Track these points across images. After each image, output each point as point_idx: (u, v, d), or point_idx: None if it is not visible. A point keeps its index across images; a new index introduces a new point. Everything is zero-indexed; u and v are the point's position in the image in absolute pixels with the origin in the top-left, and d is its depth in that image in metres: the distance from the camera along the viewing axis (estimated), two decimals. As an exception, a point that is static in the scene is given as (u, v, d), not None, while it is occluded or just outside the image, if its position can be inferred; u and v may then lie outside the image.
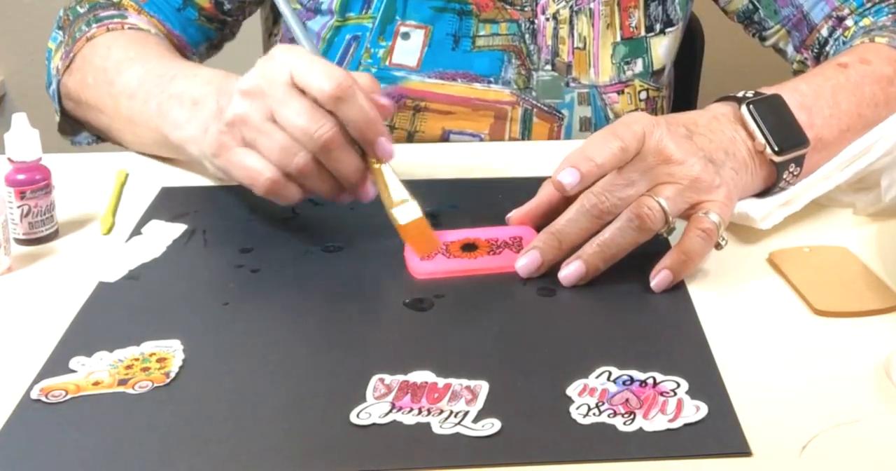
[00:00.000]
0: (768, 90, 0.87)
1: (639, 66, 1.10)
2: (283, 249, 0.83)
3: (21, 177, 0.84)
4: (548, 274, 0.78)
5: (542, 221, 0.82)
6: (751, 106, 0.83)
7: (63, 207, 0.88)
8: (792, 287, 0.77)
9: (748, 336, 0.72)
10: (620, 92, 1.10)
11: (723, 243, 0.78)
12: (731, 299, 0.76)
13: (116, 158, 1.01)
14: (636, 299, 0.75)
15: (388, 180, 0.81)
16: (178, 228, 0.86)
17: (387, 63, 1.06)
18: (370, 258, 0.82)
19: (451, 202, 0.90)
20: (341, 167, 0.79)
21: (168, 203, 0.91)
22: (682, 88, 1.26)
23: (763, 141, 0.82)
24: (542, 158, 0.95)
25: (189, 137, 0.87)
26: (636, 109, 1.11)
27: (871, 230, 0.86)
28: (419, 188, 0.82)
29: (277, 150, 0.78)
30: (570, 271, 0.76)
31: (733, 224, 0.83)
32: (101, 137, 1.07)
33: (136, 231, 0.86)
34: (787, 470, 0.59)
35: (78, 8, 1.07)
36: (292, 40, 1.04)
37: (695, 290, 0.77)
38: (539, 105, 1.08)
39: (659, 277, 0.75)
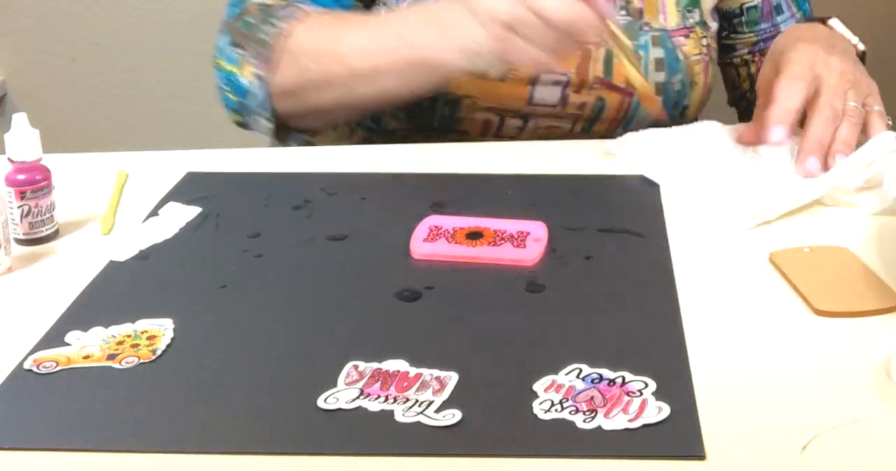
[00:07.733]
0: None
1: (696, 15, 1.15)
2: (289, 236, 0.85)
3: (21, 177, 0.84)
4: (542, 270, 0.79)
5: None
6: (837, 20, 1.07)
7: (63, 207, 0.88)
8: (792, 287, 0.77)
9: (748, 336, 0.72)
10: (687, 36, 1.14)
11: (889, 123, 0.97)
12: (730, 300, 0.76)
13: (116, 158, 1.02)
14: (622, 299, 0.76)
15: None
16: (193, 211, 0.89)
17: None
18: (372, 248, 0.83)
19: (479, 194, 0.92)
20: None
21: (189, 187, 0.94)
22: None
23: (858, 44, 1.07)
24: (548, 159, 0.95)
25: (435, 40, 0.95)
26: (700, 53, 1.15)
27: (871, 230, 0.85)
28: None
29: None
30: (812, 164, 0.91)
31: (734, 225, 0.85)
32: (316, 131, 1.11)
33: (154, 212, 0.89)
34: (787, 470, 0.59)
35: (248, 19, 1.07)
36: None
37: (694, 290, 0.77)
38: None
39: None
